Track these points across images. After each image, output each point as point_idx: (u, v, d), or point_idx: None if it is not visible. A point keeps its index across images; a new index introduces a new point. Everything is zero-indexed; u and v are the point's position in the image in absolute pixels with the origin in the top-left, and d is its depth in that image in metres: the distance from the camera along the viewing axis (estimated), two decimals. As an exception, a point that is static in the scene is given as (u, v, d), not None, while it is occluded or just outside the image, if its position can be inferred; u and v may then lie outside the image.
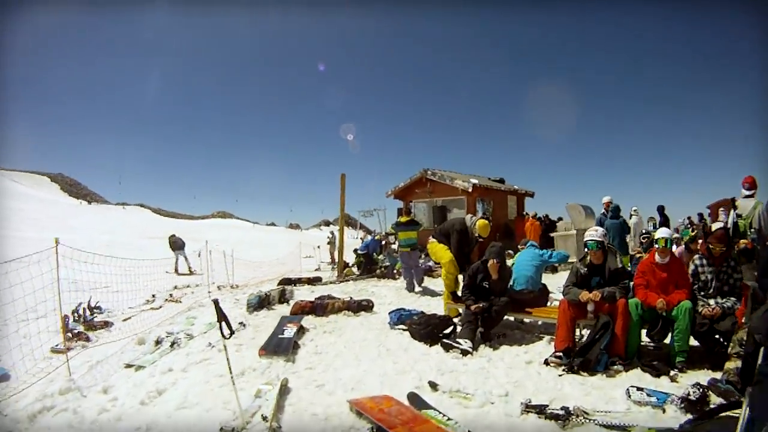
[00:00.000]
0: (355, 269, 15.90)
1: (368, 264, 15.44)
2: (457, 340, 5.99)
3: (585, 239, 6.05)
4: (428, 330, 6.39)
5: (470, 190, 15.50)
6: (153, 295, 11.21)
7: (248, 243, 40.93)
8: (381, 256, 16.55)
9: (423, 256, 14.10)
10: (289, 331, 6.53)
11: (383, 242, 17.18)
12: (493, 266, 6.62)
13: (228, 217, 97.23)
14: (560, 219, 19.30)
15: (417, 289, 11.62)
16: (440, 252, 8.32)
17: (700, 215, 18.28)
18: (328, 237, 26.35)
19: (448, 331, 6.57)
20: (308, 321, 7.75)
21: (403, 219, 12.25)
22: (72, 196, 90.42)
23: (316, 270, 18.99)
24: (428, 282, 12.73)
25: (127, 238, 34.42)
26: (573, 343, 5.69)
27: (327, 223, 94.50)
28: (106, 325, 8.20)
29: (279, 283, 12.84)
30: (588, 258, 6.06)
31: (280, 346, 6.02)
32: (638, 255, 10.83)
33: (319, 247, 24.27)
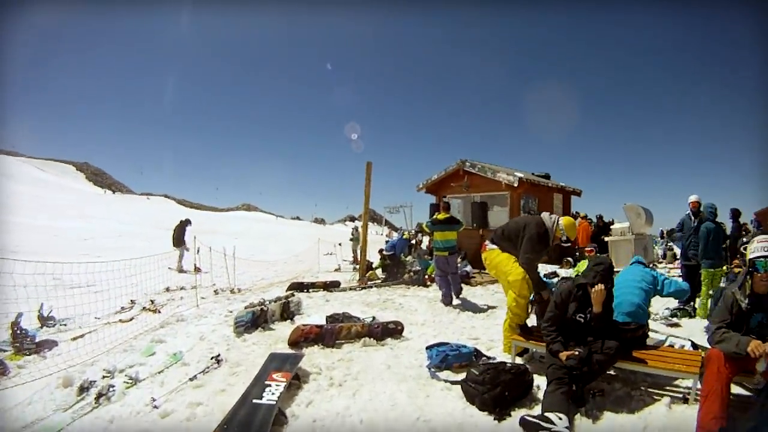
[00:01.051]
0: (379, 272, 13.68)
1: (395, 267, 13.21)
2: (546, 415, 3.68)
3: (752, 255, 3.75)
4: (496, 393, 4.04)
5: (516, 184, 13.14)
6: (132, 301, 9.15)
7: (270, 236, 39.75)
8: (409, 258, 14.31)
9: (461, 260, 11.85)
10: (274, 390, 4.10)
11: (412, 241, 14.92)
12: (599, 293, 4.34)
13: (253, 209, 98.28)
14: (612, 221, 16.88)
15: (455, 301, 9.45)
16: (506, 264, 5.78)
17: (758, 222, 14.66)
18: (352, 233, 24.23)
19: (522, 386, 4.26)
20: (313, 356, 5.55)
21: (441, 216, 9.77)
22: (97, 185, 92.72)
23: (335, 270, 16.81)
24: (467, 291, 10.55)
25: (143, 228, 33.16)
26: (726, 422, 3.45)
27: (352, 219, 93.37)
28: (45, 347, 6.10)
29: (288, 289, 10.75)
30: (748, 284, 3.79)
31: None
32: (738, 270, 8.35)
33: (340, 244, 22.12)
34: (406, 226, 24.79)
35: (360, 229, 25.86)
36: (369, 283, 12.14)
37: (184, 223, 16.70)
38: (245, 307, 7.38)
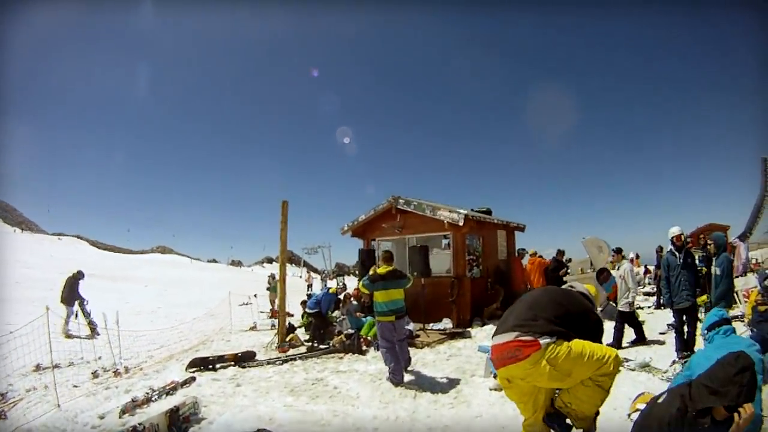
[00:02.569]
0: (301, 334, 11.46)
1: (321, 327, 11.04)
2: None
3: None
4: None
5: (461, 223, 11.40)
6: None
7: (183, 283, 36.93)
8: (336, 313, 12.16)
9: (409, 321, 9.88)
10: None
11: (340, 296, 12.84)
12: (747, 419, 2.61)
13: (168, 252, 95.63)
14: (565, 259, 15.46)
15: (406, 377, 7.50)
16: (596, 350, 3.61)
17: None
18: (268, 282, 21.71)
19: None
20: None
21: (383, 269, 7.73)
22: (6, 222, 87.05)
23: (251, 328, 14.31)
24: (415, 357, 8.72)
25: (47, 272, 29.05)
26: None
27: (270, 261, 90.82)
28: None
29: (189, 366, 8.38)
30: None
31: None
32: (763, 307, 6.87)
33: (255, 295, 19.57)
34: (325, 266, 22.59)
35: (277, 277, 23.59)
36: (291, 351, 9.90)
37: (77, 277, 13.41)
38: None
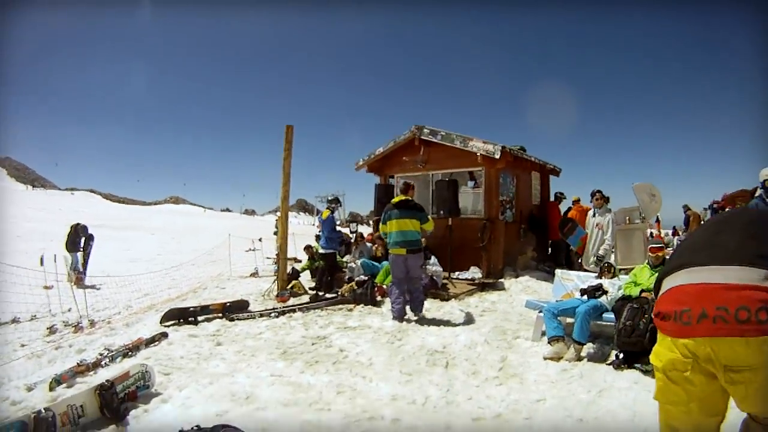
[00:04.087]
0: (304, 282, 9.88)
1: (329, 272, 9.41)
2: None
3: None
4: None
5: (497, 156, 9.57)
6: None
7: (194, 231, 35.97)
8: (347, 258, 10.52)
9: (429, 261, 8.41)
10: None
11: (351, 233, 11.15)
12: None
13: (181, 202, 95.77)
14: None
15: (412, 316, 6.89)
16: None
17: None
18: (276, 226, 20.12)
19: None
20: None
21: (397, 198, 7.17)
22: (19, 181, 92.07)
23: (251, 275, 12.84)
24: (435, 310, 7.42)
25: (54, 225, 27.76)
26: None
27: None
28: None
29: (164, 319, 6.88)
30: None
31: None
32: None
33: (260, 239, 17.97)
34: (340, 215, 20.93)
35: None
36: (292, 301, 8.32)
37: (79, 230, 12.35)
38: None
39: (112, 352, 5.33)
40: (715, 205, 14.27)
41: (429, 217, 7.15)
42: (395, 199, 7.10)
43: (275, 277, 9.57)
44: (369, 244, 10.46)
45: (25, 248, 16.64)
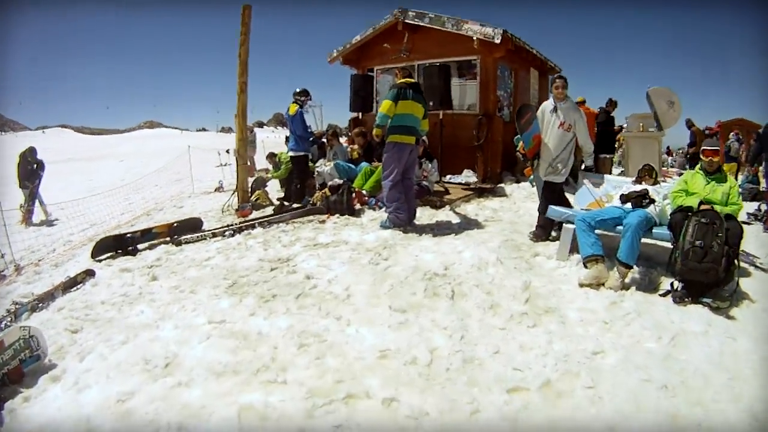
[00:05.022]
0: (271, 192, 8.45)
1: (301, 177, 7.88)
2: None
3: None
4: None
5: (497, 40, 7.88)
6: None
7: (166, 152, 33.52)
8: (321, 163, 8.95)
9: (427, 161, 7.10)
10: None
11: (323, 139, 9.59)
12: None
13: (156, 126, 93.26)
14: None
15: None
16: None
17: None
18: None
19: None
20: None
21: (408, 80, 5.68)
22: None
23: (216, 190, 11.22)
24: (426, 217, 6.32)
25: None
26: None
27: (261, 124, 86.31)
28: None
29: (94, 251, 5.55)
30: None
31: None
32: None
33: (228, 151, 16.30)
34: (317, 127, 19.20)
35: (256, 131, 20.07)
36: (254, 215, 6.94)
37: (27, 156, 10.51)
38: None
39: (19, 306, 4.01)
40: (707, 131, 13.40)
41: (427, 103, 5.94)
42: (407, 80, 5.62)
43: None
44: (345, 145, 8.94)
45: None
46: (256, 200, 7.90)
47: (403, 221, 5.56)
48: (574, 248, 4.36)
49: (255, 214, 7.03)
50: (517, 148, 5.72)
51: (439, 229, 5.67)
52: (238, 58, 7.33)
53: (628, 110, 15.20)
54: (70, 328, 3.45)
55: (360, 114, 10.16)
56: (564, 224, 4.58)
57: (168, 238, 5.89)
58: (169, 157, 12.94)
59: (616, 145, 11.31)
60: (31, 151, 10.47)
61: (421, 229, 5.63)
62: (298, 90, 7.76)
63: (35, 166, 10.29)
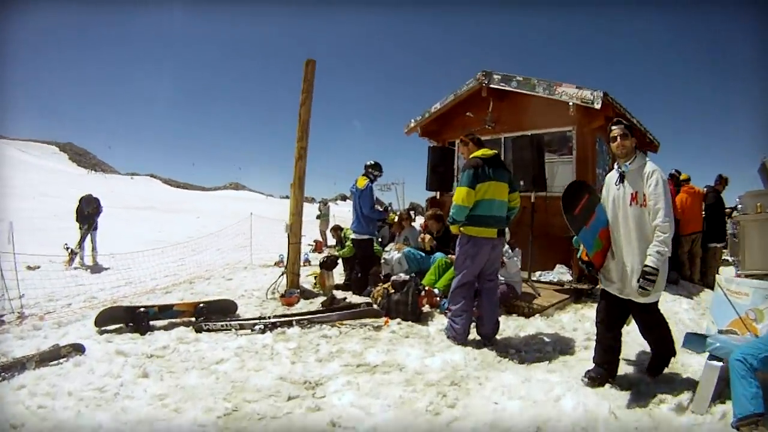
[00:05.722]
0: (337, 277, 7.33)
1: (364, 264, 6.81)
2: None
3: None
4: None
5: (597, 106, 6.58)
6: None
7: (244, 214, 33.80)
8: (390, 248, 7.78)
9: (511, 256, 5.77)
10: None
11: (387, 216, 8.46)
12: None
13: (241, 188, 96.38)
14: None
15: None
16: None
17: None
18: (319, 209, 17.77)
19: None
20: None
21: (486, 152, 4.43)
22: (80, 165, 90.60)
23: (276, 264, 10.21)
24: (511, 328, 4.90)
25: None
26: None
27: (344, 198, 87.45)
28: None
29: (98, 320, 4.82)
30: None
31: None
32: None
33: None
34: (399, 206, 18.26)
35: (329, 204, 19.35)
36: (300, 306, 5.84)
37: (83, 202, 10.33)
38: None
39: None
40: None
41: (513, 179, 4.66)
42: (483, 153, 4.38)
43: (308, 269, 7.13)
44: (419, 229, 7.79)
45: (50, 225, 15.11)
46: (314, 284, 6.85)
47: (459, 335, 4.33)
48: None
49: (300, 306, 5.91)
50: (579, 255, 3.59)
51: (528, 351, 4.26)
52: (298, 119, 6.48)
53: (739, 189, 13.14)
54: (12, 420, 2.72)
55: (438, 193, 9.01)
56: (711, 360, 3.11)
57: (192, 318, 5.01)
58: (248, 221, 12.24)
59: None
60: (89, 200, 10.32)
61: (504, 348, 4.27)
62: (370, 162, 6.80)
63: (87, 213, 10.04)
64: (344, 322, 4.82)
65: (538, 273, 6.98)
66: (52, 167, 66.44)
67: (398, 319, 4.99)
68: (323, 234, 15.64)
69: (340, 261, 7.87)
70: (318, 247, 14.14)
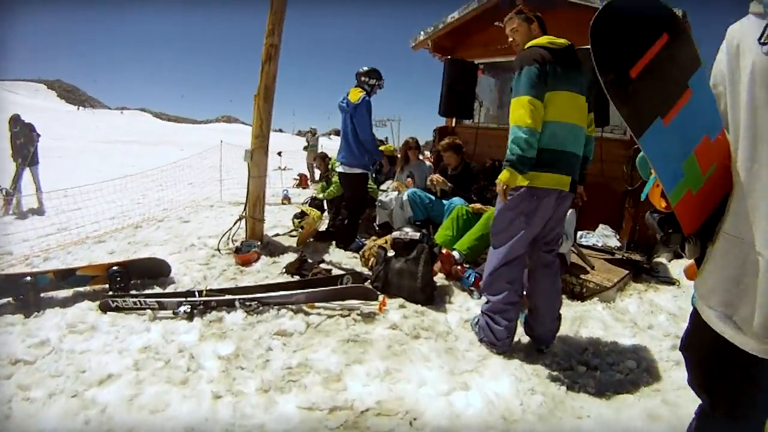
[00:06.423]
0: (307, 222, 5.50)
1: (353, 206, 5.06)
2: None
3: None
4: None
5: (681, 14, 4.81)
6: None
7: (231, 148, 32.21)
8: (389, 186, 6.05)
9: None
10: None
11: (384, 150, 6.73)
12: None
13: (233, 121, 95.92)
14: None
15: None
16: None
17: None
18: (307, 139, 15.97)
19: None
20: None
21: (552, 40, 2.62)
22: (69, 102, 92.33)
23: (283, 201, 8.60)
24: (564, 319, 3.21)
25: (80, 142, 26.37)
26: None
27: (338, 133, 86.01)
28: None
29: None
30: None
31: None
32: None
33: (280, 153, 13.80)
34: (393, 142, 16.48)
35: (318, 134, 17.41)
36: (258, 266, 4.17)
37: (11, 125, 8.33)
38: None
39: None
40: None
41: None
42: (550, 41, 2.66)
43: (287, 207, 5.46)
44: (427, 163, 6.02)
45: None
46: (294, 229, 5.24)
47: (501, 341, 2.76)
48: None
49: (262, 264, 4.24)
50: (644, 195, 1.51)
51: (603, 368, 2.76)
52: (269, 7, 4.55)
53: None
54: None
55: (454, 121, 7.22)
56: None
57: (107, 285, 3.44)
58: (233, 152, 10.45)
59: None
60: (15, 120, 8.25)
61: (567, 360, 2.80)
62: (364, 69, 4.93)
63: (23, 138, 8.07)
64: (316, 304, 3.16)
65: (579, 234, 5.34)
66: (42, 105, 66.15)
67: (400, 299, 3.36)
68: (310, 167, 13.79)
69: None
70: (303, 181, 12.36)
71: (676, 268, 5.08)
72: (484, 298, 2.87)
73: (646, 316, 3.71)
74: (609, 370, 2.74)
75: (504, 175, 2.45)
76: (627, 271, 4.49)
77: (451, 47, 7.26)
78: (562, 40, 2.64)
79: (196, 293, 3.20)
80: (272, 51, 4.48)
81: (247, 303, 3.03)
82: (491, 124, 6.87)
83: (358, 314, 3.09)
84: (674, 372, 2.76)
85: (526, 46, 2.63)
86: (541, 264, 2.83)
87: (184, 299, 3.07)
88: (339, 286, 3.30)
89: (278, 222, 6.26)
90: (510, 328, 2.74)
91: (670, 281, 4.71)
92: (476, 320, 2.96)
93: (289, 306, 3.09)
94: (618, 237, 5.35)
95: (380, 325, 2.98)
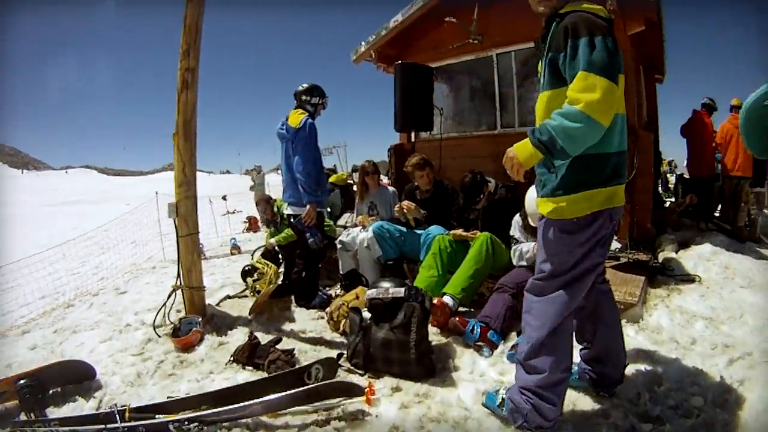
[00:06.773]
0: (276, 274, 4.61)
1: (308, 254, 4.15)
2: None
3: None
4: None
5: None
6: None
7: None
8: (347, 221, 5.61)
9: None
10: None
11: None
12: None
13: None
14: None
15: None
16: None
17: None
18: (252, 178, 15.11)
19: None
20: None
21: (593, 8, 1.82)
22: (12, 166, 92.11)
23: (232, 252, 7.86)
24: None
25: (24, 208, 25.69)
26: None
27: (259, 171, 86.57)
28: None
29: None
30: None
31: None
32: None
33: (225, 197, 12.79)
34: (342, 169, 15.71)
35: (264, 171, 16.50)
36: (208, 343, 3.31)
37: None
38: None
39: None
40: None
41: None
42: (592, 9, 1.88)
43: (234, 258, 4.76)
44: (390, 189, 5.22)
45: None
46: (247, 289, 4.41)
47: (555, 423, 2.01)
48: None
49: (206, 347, 3.36)
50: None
51: (669, 414, 2.19)
52: (183, 23, 3.69)
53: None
54: None
55: (413, 135, 6.53)
56: None
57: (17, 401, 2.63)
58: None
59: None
60: None
61: (623, 418, 2.19)
62: (303, 87, 4.13)
63: None
64: (280, 412, 2.31)
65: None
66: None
67: (391, 378, 2.58)
68: (258, 204, 12.77)
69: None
70: (253, 224, 11.37)
71: (689, 261, 4.54)
72: (527, 374, 2.04)
73: (684, 330, 3.13)
74: (676, 418, 2.12)
75: (526, 151, 1.79)
76: (643, 277, 3.86)
77: (396, 55, 6.59)
78: (603, 11, 1.93)
79: (117, 416, 2.33)
80: (188, 76, 3.60)
81: (185, 426, 2.16)
82: (452, 133, 6.19)
83: (339, 417, 2.24)
84: (748, 394, 2.25)
85: (566, 9, 1.95)
86: (602, 295, 2.27)
87: (103, 427, 2.21)
88: (308, 386, 2.37)
89: (227, 279, 5.44)
90: (561, 399, 2.02)
91: (690, 279, 4.15)
92: (500, 398, 2.19)
93: (244, 421, 2.23)
94: (617, 237, 4.76)
95: (373, 428, 2.15)
